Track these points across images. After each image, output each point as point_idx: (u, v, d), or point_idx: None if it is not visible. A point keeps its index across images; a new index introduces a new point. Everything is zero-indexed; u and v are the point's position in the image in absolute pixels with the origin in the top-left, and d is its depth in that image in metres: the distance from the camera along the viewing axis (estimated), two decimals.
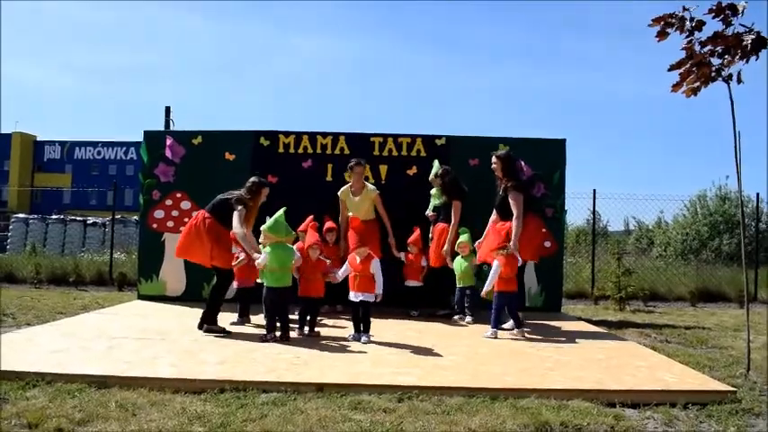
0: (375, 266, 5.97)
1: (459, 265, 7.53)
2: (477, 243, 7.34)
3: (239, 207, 6.20)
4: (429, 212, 7.96)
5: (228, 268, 6.37)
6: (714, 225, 22.49)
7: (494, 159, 7.19)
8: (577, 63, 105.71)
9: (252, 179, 6.60)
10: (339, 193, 7.82)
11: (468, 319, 7.41)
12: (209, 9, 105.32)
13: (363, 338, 5.94)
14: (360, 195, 7.66)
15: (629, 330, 7.64)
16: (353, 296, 6.04)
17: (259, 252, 5.99)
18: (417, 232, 7.71)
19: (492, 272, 6.51)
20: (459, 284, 7.58)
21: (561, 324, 7.46)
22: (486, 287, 6.51)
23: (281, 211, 6.02)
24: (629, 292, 10.53)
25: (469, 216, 7.64)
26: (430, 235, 7.86)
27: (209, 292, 6.44)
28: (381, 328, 6.52)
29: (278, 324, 5.94)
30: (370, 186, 7.75)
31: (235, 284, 6.83)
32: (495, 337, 6.34)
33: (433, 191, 7.94)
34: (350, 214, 7.74)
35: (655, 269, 13.77)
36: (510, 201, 6.80)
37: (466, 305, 7.49)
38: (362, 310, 6.03)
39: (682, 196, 26.28)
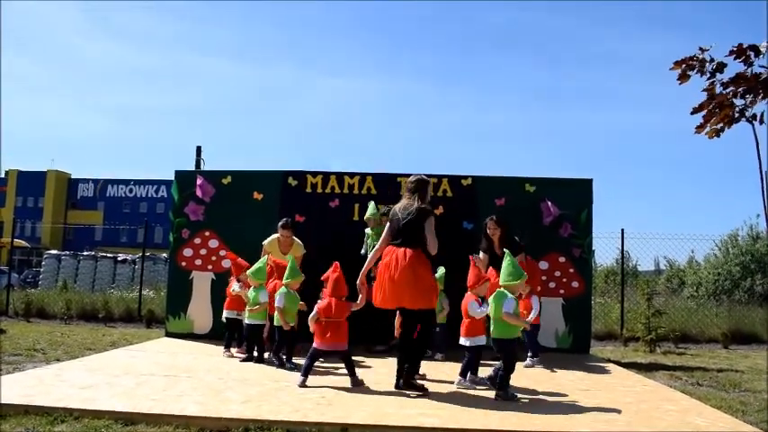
0: (472, 309, 5.65)
1: None
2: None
3: (430, 218, 5.54)
4: (364, 252, 7.82)
5: (434, 308, 5.63)
6: (746, 265, 22.07)
7: (492, 225, 7.34)
8: (603, 99, 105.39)
9: (413, 177, 5.87)
10: (265, 244, 7.63)
11: (439, 356, 7.33)
12: (236, 53, 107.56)
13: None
14: (288, 252, 7.45)
15: (660, 373, 7.49)
16: (464, 341, 5.72)
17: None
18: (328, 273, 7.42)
19: (535, 306, 6.93)
20: None
21: (589, 366, 7.35)
22: (531, 318, 6.72)
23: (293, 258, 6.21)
24: (660, 333, 10.34)
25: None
26: (372, 274, 6.97)
27: (413, 342, 5.51)
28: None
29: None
30: (298, 242, 7.66)
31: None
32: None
33: (368, 230, 7.92)
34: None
35: (686, 310, 13.51)
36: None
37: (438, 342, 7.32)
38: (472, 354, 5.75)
39: (713, 235, 25.91)
